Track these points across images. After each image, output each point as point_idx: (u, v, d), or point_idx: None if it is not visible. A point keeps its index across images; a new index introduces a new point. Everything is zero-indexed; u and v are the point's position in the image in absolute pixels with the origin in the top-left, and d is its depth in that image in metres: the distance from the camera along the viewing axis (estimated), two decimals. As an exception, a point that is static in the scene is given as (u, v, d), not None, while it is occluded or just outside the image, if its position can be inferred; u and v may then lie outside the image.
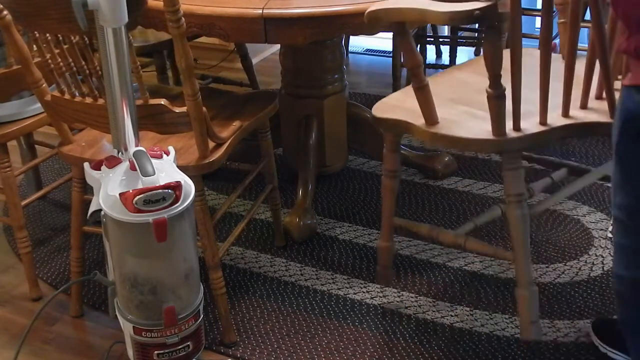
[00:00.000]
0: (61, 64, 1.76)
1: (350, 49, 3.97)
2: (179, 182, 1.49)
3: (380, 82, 3.55)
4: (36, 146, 2.61)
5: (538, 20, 3.19)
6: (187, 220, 1.53)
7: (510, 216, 1.72)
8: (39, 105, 2.00)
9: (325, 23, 1.89)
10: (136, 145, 1.59)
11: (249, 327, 2.05)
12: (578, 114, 1.72)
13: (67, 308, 2.15)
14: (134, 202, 1.44)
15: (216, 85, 3.07)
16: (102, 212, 1.52)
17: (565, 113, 1.71)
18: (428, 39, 3.43)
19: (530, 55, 1.77)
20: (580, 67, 1.69)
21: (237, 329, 2.04)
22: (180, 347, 1.61)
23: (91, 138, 1.96)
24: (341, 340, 1.99)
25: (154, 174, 1.47)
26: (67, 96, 1.81)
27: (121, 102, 1.55)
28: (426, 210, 2.51)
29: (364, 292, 2.16)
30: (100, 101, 1.75)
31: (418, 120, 1.76)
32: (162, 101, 1.71)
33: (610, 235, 2.32)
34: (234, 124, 1.93)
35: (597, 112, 1.73)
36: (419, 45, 3.38)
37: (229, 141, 1.86)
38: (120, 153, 1.60)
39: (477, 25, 3.07)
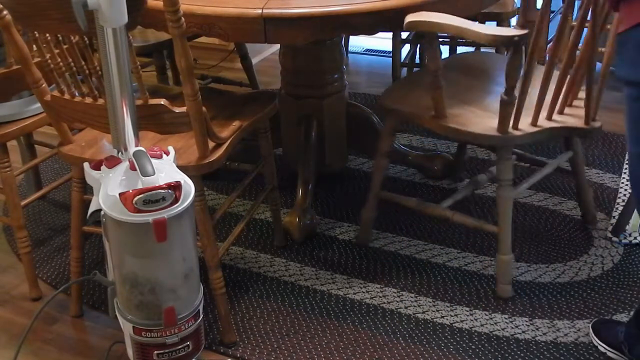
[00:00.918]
0: (61, 64, 1.77)
1: (350, 49, 3.97)
2: (179, 182, 1.49)
3: (379, 82, 3.55)
4: (36, 146, 2.61)
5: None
6: (186, 220, 1.53)
7: (501, 196, 2.03)
8: (38, 105, 2.00)
9: (325, 23, 1.89)
10: (136, 145, 1.59)
11: (249, 327, 2.05)
12: (560, 118, 2.01)
13: (67, 308, 2.15)
14: (133, 202, 1.44)
15: (216, 85, 3.07)
16: (102, 212, 1.51)
17: (549, 117, 1.98)
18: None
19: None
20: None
21: (236, 329, 2.04)
22: (180, 347, 1.61)
23: (91, 138, 1.96)
24: (341, 340, 1.99)
25: (154, 174, 1.47)
26: (67, 96, 1.81)
27: (121, 102, 1.55)
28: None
29: (363, 292, 2.16)
30: (100, 101, 1.75)
31: (427, 112, 2.02)
32: (162, 101, 1.71)
33: (609, 235, 2.33)
34: (233, 124, 1.93)
35: (575, 117, 2.01)
36: (418, 45, 3.39)
37: (228, 141, 1.86)
38: (120, 153, 1.60)
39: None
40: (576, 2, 2.00)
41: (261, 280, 2.24)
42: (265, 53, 4.00)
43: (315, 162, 2.52)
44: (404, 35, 3.29)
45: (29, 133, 2.43)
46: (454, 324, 2.02)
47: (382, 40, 3.96)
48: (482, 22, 2.73)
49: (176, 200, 1.48)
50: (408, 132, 3.02)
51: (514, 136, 1.93)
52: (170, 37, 1.65)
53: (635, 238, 2.30)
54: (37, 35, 1.73)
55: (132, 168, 1.51)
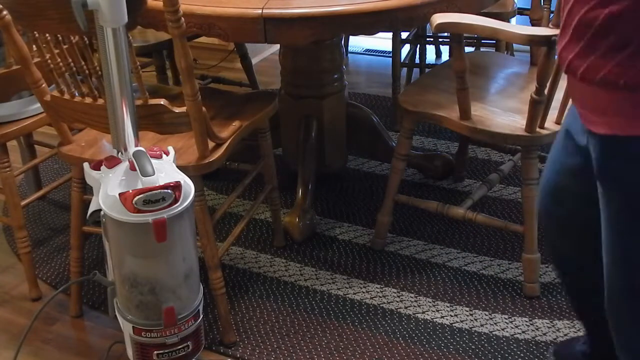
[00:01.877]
0: (61, 64, 1.76)
1: (349, 49, 3.97)
2: (179, 182, 1.49)
3: (379, 82, 3.55)
4: (36, 146, 2.61)
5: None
6: (186, 221, 1.53)
7: (526, 196, 2.03)
8: (38, 105, 1.99)
9: (325, 23, 1.89)
10: (136, 145, 1.59)
11: (249, 327, 2.05)
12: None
13: (66, 308, 2.15)
14: (133, 202, 1.44)
15: (216, 85, 3.07)
16: (102, 212, 1.51)
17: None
18: (428, 39, 3.43)
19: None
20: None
21: (236, 329, 2.04)
22: (179, 347, 1.60)
23: (91, 138, 1.96)
24: (341, 340, 1.99)
25: (154, 174, 1.47)
26: (66, 96, 1.81)
27: (121, 102, 1.55)
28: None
29: (363, 292, 2.16)
30: (100, 101, 1.75)
31: (451, 114, 2.03)
32: (162, 101, 1.71)
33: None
34: (233, 124, 1.93)
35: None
36: (418, 45, 3.39)
37: (228, 141, 1.86)
38: (119, 153, 1.60)
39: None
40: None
41: (261, 280, 2.24)
42: (265, 53, 4.00)
43: (315, 162, 2.52)
44: (404, 35, 3.29)
45: (28, 133, 2.43)
46: (454, 324, 2.02)
47: (382, 40, 3.96)
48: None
49: (176, 200, 1.48)
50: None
51: (541, 135, 1.93)
52: (170, 37, 1.65)
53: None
54: (37, 35, 1.73)
55: (132, 168, 1.51)
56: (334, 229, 2.46)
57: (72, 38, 1.70)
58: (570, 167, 1.44)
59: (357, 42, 4.07)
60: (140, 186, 1.46)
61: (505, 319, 2.02)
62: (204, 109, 1.72)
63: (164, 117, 1.73)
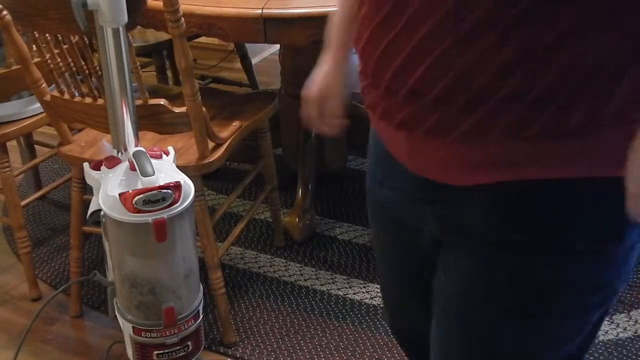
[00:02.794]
0: (61, 64, 1.76)
1: (349, 49, 3.96)
2: (179, 182, 1.49)
3: (379, 82, 3.54)
4: (36, 146, 2.61)
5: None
6: (186, 221, 1.53)
7: None
8: (38, 105, 1.99)
9: (325, 23, 1.89)
10: (136, 146, 1.59)
11: (249, 327, 2.05)
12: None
13: (66, 308, 2.15)
14: (133, 202, 1.44)
15: (216, 85, 3.07)
16: (102, 212, 1.51)
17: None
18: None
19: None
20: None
21: (236, 329, 2.04)
22: (179, 347, 1.60)
23: (91, 138, 1.96)
24: (341, 340, 1.99)
25: (154, 174, 1.47)
26: (66, 96, 1.81)
27: (121, 102, 1.55)
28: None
29: (363, 292, 2.16)
30: (100, 101, 1.75)
31: None
32: (162, 101, 1.71)
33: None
34: (233, 124, 1.93)
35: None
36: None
37: (228, 141, 1.86)
38: (119, 153, 1.60)
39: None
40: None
41: (261, 280, 2.24)
42: (265, 53, 3.99)
43: (315, 162, 2.52)
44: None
45: (28, 133, 2.43)
46: (453, 324, 2.02)
47: (382, 40, 3.95)
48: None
49: (176, 200, 1.48)
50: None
51: None
52: (170, 37, 1.65)
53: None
54: (37, 35, 1.73)
55: (132, 168, 1.51)
56: (334, 229, 2.46)
57: (72, 38, 1.70)
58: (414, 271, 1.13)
59: (357, 42, 4.07)
60: (140, 186, 1.46)
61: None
62: (204, 109, 1.72)
63: (164, 117, 1.73)
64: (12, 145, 2.32)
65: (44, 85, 1.83)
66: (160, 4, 1.58)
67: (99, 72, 1.68)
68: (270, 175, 2.24)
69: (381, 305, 2.09)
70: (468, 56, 0.80)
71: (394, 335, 1.35)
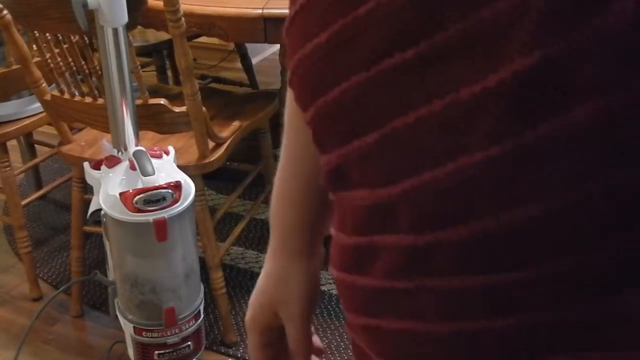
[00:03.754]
0: (61, 63, 1.76)
1: (350, 48, 3.96)
2: (179, 181, 1.49)
3: (380, 81, 3.54)
4: (36, 146, 2.61)
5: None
6: (187, 220, 1.53)
7: None
8: (38, 104, 1.99)
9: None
10: (136, 145, 1.59)
11: (249, 327, 2.05)
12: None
13: (67, 308, 2.15)
14: (134, 201, 1.44)
15: (216, 85, 3.07)
16: (102, 212, 1.51)
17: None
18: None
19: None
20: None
21: (237, 329, 2.04)
22: (180, 347, 1.60)
23: (91, 137, 1.96)
24: (341, 340, 1.99)
25: (154, 173, 1.47)
26: (66, 96, 1.80)
27: (121, 101, 1.55)
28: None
29: (364, 292, 2.16)
30: (100, 101, 1.75)
31: None
32: (162, 101, 1.71)
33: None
34: (233, 123, 1.93)
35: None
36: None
37: (228, 141, 1.86)
38: (120, 153, 1.60)
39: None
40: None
41: (261, 280, 2.24)
42: (265, 53, 3.99)
43: (316, 161, 2.51)
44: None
45: (28, 133, 2.43)
46: (454, 324, 2.02)
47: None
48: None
49: (176, 200, 1.48)
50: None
51: None
52: (170, 37, 1.65)
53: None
54: (37, 34, 1.73)
55: (132, 168, 1.51)
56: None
57: (72, 37, 1.70)
58: None
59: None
60: (140, 186, 1.46)
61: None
62: (204, 108, 1.72)
63: (164, 116, 1.73)
64: (12, 144, 2.32)
65: (44, 84, 1.83)
66: (160, 3, 1.58)
67: (99, 72, 1.68)
68: (271, 175, 2.24)
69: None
70: None
71: None
